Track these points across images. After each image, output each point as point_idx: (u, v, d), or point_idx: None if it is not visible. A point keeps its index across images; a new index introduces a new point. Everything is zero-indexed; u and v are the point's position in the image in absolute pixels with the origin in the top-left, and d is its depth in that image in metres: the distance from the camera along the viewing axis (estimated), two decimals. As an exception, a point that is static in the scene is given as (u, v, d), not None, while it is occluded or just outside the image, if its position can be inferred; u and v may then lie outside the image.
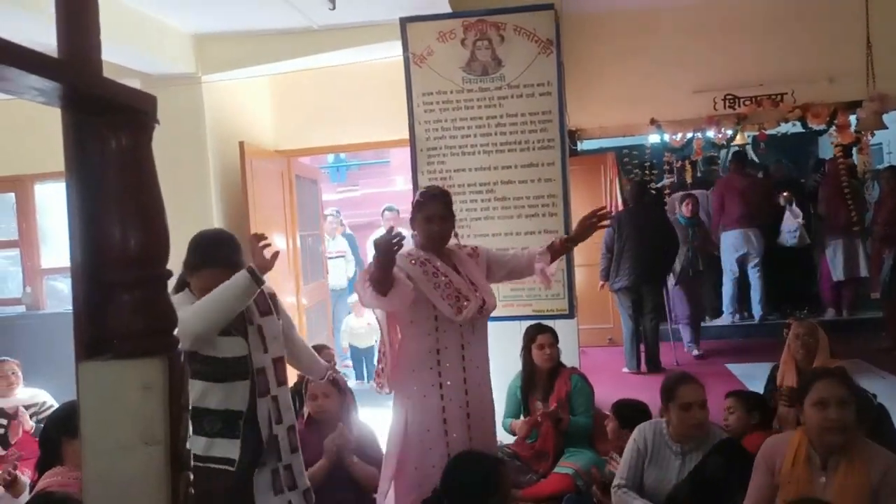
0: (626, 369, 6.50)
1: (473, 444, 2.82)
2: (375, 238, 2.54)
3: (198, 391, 2.46)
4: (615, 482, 3.24)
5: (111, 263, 1.07)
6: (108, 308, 1.09)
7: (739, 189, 7.34)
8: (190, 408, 2.46)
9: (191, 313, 2.36)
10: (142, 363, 1.04)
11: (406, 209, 9.13)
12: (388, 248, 2.46)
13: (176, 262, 1.51)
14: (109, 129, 1.09)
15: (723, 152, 7.95)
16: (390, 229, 2.55)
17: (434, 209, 2.86)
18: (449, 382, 2.81)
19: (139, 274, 1.07)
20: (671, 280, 6.78)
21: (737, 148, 7.49)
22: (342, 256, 8.07)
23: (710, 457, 3.03)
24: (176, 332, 1.14)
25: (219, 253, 2.58)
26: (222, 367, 2.50)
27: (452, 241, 2.97)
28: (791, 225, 7.35)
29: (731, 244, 7.34)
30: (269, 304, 2.70)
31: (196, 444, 2.44)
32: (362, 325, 7.15)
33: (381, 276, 2.55)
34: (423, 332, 2.81)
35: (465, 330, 2.83)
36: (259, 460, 2.57)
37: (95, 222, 1.09)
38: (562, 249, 3.06)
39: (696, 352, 6.87)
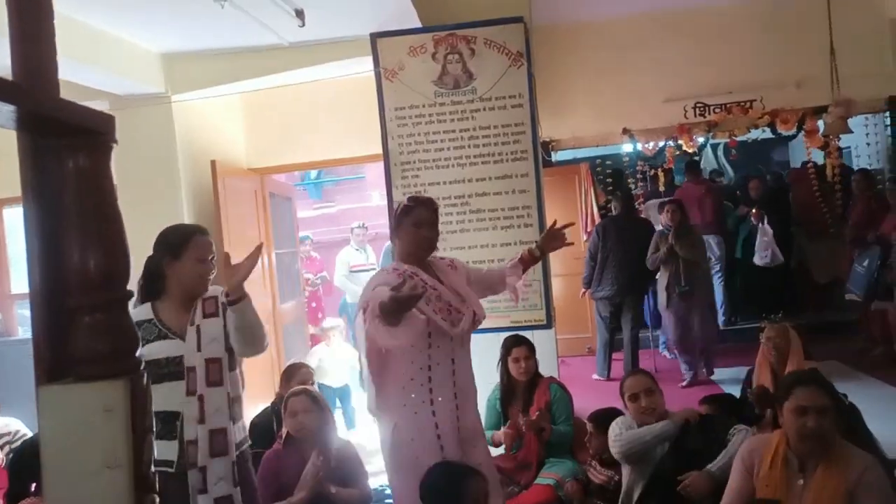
0: (596, 376, 6.54)
1: (467, 457, 2.78)
2: (396, 295, 2.37)
3: None
4: (612, 440, 3.38)
5: (71, 286, 1.06)
6: (69, 331, 1.07)
7: (696, 197, 7.40)
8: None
9: None
10: (103, 386, 1.02)
11: (381, 224, 9.07)
12: (410, 302, 2.37)
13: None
14: (67, 151, 1.08)
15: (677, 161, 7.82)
16: (405, 282, 2.45)
17: (423, 214, 2.78)
18: (440, 398, 2.74)
19: (100, 296, 1.06)
20: (661, 299, 6.34)
21: (690, 157, 7.52)
22: (374, 269, 7.49)
23: (685, 433, 3.20)
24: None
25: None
26: (156, 368, 2.53)
27: (451, 255, 3.01)
28: (762, 244, 7.25)
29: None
30: (216, 307, 2.68)
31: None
32: (334, 359, 6.05)
33: (397, 318, 2.43)
34: (416, 349, 2.70)
35: (456, 344, 2.78)
36: (190, 460, 2.58)
37: (54, 245, 1.08)
38: (531, 261, 3.07)
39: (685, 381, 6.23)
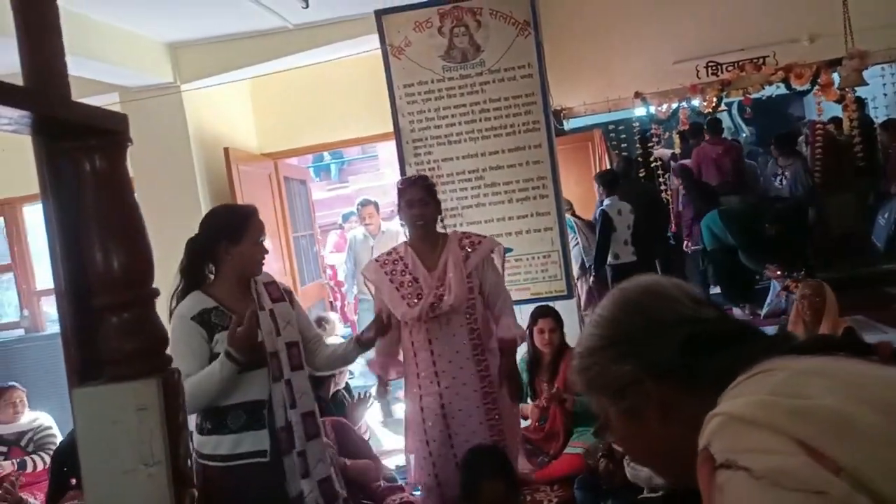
0: None
1: (454, 436, 2.93)
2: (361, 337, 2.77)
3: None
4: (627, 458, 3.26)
5: (96, 287, 1.07)
6: (97, 332, 1.08)
7: (714, 157, 7.31)
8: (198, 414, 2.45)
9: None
10: (136, 385, 1.03)
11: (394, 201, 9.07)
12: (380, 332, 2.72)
13: (164, 277, 1.50)
14: (82, 153, 1.08)
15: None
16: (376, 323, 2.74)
17: (413, 193, 2.93)
18: (423, 374, 2.96)
19: (125, 295, 1.07)
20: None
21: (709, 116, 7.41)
22: None
23: None
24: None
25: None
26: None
27: (445, 228, 3.06)
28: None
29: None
30: (280, 293, 2.67)
31: (223, 445, 2.43)
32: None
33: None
34: (398, 328, 2.99)
35: (431, 326, 2.91)
36: (284, 446, 2.52)
37: (76, 247, 1.09)
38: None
39: None
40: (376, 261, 3.04)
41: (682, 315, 0.92)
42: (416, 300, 2.87)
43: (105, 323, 1.07)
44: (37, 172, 1.09)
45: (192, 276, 2.52)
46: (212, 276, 2.55)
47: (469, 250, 2.97)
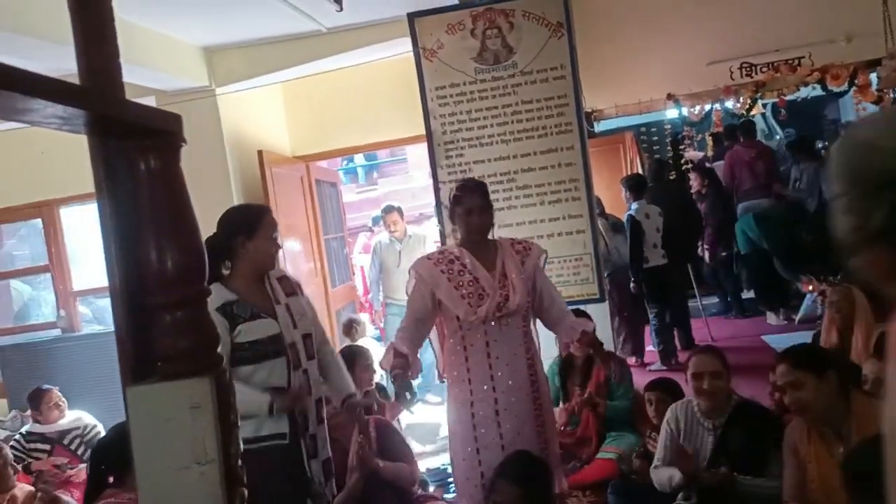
0: (656, 366, 5.93)
1: (507, 445, 2.82)
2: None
3: (242, 377, 2.57)
4: (653, 463, 3.21)
5: (150, 286, 1.08)
6: (151, 330, 1.09)
7: (747, 160, 7.20)
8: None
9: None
10: (189, 383, 1.04)
11: (426, 204, 9.02)
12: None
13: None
14: (138, 153, 1.09)
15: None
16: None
17: (472, 201, 2.87)
18: (477, 379, 2.84)
19: (179, 294, 1.08)
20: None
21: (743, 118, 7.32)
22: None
23: (728, 428, 3.02)
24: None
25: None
26: (261, 347, 2.61)
27: (499, 234, 3.00)
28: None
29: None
30: (293, 288, 2.83)
31: (244, 429, 2.51)
32: None
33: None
34: (451, 329, 2.90)
35: (490, 328, 2.82)
36: (300, 429, 2.70)
37: (131, 246, 1.10)
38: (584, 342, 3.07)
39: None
40: (428, 258, 2.95)
41: None
42: (478, 300, 2.79)
43: (159, 321, 1.08)
44: (92, 172, 1.11)
45: (210, 270, 2.66)
46: (226, 272, 2.72)
47: (523, 255, 2.95)
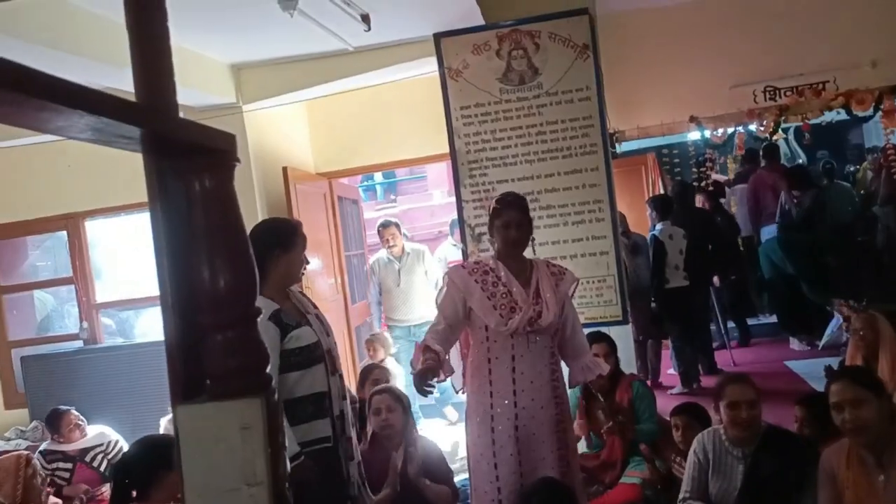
0: (677, 390, 5.88)
1: (524, 462, 2.81)
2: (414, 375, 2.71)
3: (291, 383, 2.67)
4: (680, 496, 3.15)
5: (202, 304, 1.08)
6: (201, 348, 1.09)
7: (770, 184, 7.15)
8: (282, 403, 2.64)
9: None
10: (240, 404, 1.03)
11: (444, 222, 9.02)
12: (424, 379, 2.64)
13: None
14: (192, 171, 1.09)
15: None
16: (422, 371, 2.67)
17: (511, 216, 2.87)
18: (499, 393, 2.82)
19: (231, 314, 1.08)
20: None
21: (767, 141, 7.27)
22: None
23: (759, 455, 2.96)
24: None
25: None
26: (308, 353, 2.72)
27: (532, 253, 3.01)
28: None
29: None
30: (314, 304, 3.00)
31: (295, 435, 2.64)
32: None
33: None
34: (477, 340, 2.89)
35: (518, 342, 2.80)
36: (339, 433, 2.80)
37: (183, 263, 1.10)
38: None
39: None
40: (463, 267, 2.98)
41: None
42: (510, 313, 2.78)
43: (210, 340, 1.08)
44: (147, 189, 1.11)
45: None
46: None
47: (558, 277, 2.95)
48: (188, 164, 1.10)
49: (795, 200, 6.77)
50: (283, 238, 2.77)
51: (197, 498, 1.04)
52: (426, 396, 2.73)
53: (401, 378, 5.36)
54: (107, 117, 0.91)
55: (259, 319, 2.49)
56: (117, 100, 0.96)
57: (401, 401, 3.46)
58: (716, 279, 6.46)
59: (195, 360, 1.09)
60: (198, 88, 4.81)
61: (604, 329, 4.29)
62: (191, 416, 1.05)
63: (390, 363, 5.54)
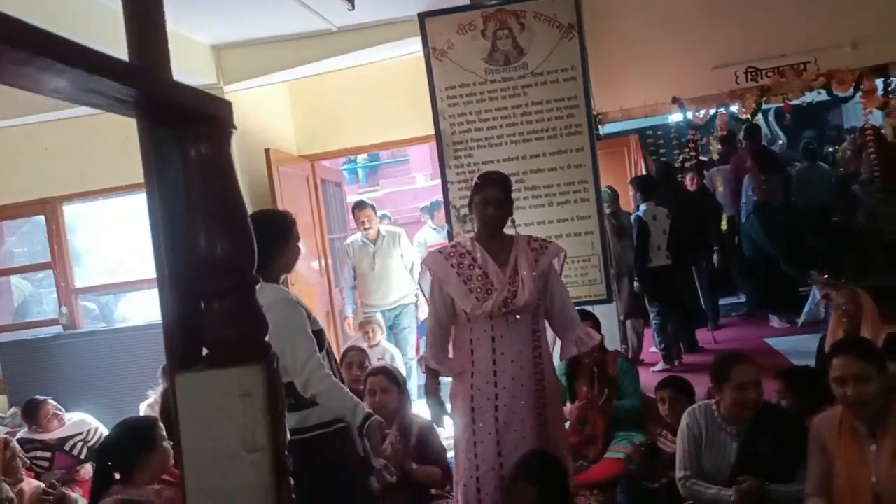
0: (659, 367, 5.97)
1: (503, 441, 2.84)
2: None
3: None
4: (679, 474, 3.12)
5: (200, 273, 1.07)
6: (198, 318, 1.08)
7: (750, 165, 7.20)
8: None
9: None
10: (240, 371, 1.03)
11: (427, 206, 8.97)
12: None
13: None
14: (188, 139, 1.08)
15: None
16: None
17: (491, 193, 2.85)
18: (480, 373, 2.86)
19: (230, 281, 1.07)
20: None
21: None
22: None
23: (754, 432, 2.95)
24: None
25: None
26: (319, 337, 2.74)
27: (511, 230, 2.96)
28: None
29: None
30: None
31: (323, 416, 2.65)
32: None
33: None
34: (459, 322, 2.90)
35: (497, 323, 2.82)
36: None
37: (179, 233, 1.08)
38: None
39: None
40: (440, 252, 2.96)
41: None
42: (486, 295, 2.79)
43: (208, 308, 1.07)
44: (142, 158, 1.10)
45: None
46: None
47: (538, 253, 2.93)
48: (185, 131, 1.08)
49: (764, 186, 6.84)
50: (284, 229, 2.79)
51: (196, 465, 1.04)
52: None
53: (399, 359, 5.36)
54: (102, 76, 0.90)
55: (296, 303, 2.64)
56: (115, 60, 0.94)
57: (396, 381, 3.46)
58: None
59: (192, 332, 1.08)
60: (177, 69, 4.68)
61: (588, 308, 4.31)
62: (190, 384, 1.05)
63: (386, 344, 5.51)
